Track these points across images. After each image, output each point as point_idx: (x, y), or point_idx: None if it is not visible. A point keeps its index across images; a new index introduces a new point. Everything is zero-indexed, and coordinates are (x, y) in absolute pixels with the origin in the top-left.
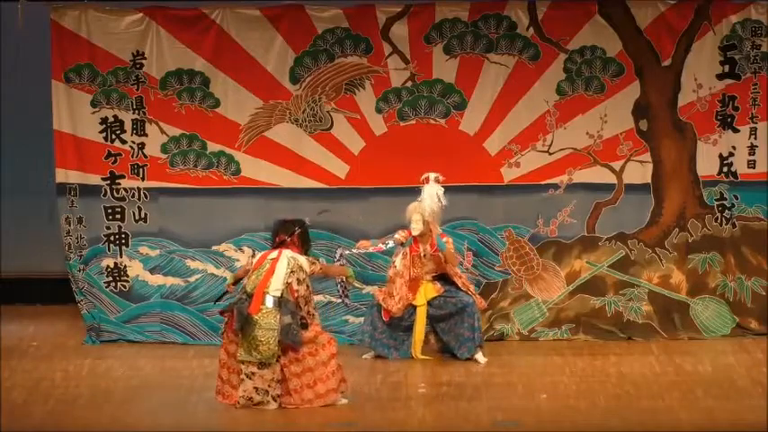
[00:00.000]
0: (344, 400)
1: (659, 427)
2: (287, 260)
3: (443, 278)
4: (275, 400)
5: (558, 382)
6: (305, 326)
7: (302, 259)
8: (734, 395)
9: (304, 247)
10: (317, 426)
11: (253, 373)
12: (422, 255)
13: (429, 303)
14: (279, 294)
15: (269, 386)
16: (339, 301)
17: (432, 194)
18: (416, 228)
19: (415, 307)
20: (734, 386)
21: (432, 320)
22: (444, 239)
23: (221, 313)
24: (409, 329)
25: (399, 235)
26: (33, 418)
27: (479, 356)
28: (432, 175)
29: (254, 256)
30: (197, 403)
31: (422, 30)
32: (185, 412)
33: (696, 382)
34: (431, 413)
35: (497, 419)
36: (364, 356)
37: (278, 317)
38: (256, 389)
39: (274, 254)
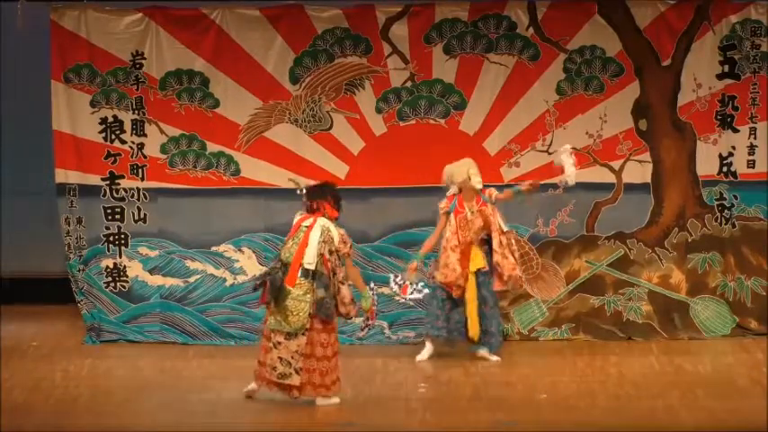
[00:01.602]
0: (336, 399)
1: (659, 427)
2: (320, 229)
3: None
4: (297, 374)
5: (558, 382)
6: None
7: (335, 232)
8: (734, 395)
9: (340, 209)
10: (317, 426)
11: (279, 343)
12: (468, 214)
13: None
14: (313, 267)
15: (292, 357)
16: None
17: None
18: (479, 180)
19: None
20: (734, 386)
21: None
22: (486, 193)
23: (255, 287)
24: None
25: (441, 210)
26: (33, 418)
27: (494, 357)
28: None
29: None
30: (197, 403)
31: (422, 30)
32: (185, 412)
33: (696, 382)
34: (431, 413)
35: (497, 419)
36: (418, 358)
37: (310, 288)
38: (280, 359)
39: (309, 221)
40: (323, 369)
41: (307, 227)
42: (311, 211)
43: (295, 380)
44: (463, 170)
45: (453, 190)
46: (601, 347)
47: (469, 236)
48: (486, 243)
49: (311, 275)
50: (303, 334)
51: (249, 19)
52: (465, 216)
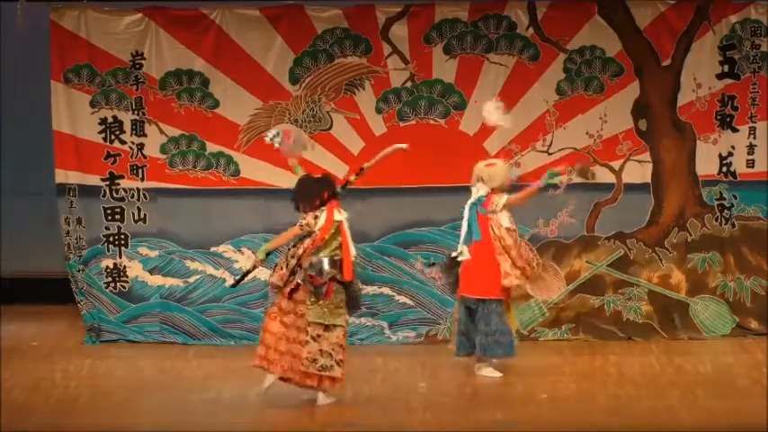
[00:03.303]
0: (331, 399)
1: (659, 426)
2: (346, 221)
3: None
4: (339, 365)
5: (557, 382)
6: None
7: None
8: (734, 395)
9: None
10: (317, 426)
11: (319, 336)
12: None
13: None
14: (355, 259)
15: (333, 350)
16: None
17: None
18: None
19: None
20: (734, 386)
21: None
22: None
23: (311, 277)
24: None
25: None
26: (33, 418)
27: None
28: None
29: (315, 217)
30: (197, 403)
31: (422, 30)
32: (185, 412)
33: (696, 382)
34: (431, 413)
35: (497, 419)
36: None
37: None
38: (321, 351)
39: (338, 214)
40: (344, 359)
41: (338, 221)
42: (330, 200)
43: (336, 372)
44: (505, 174)
45: (484, 190)
46: (601, 347)
47: None
48: None
49: None
50: (341, 325)
51: (249, 19)
52: None
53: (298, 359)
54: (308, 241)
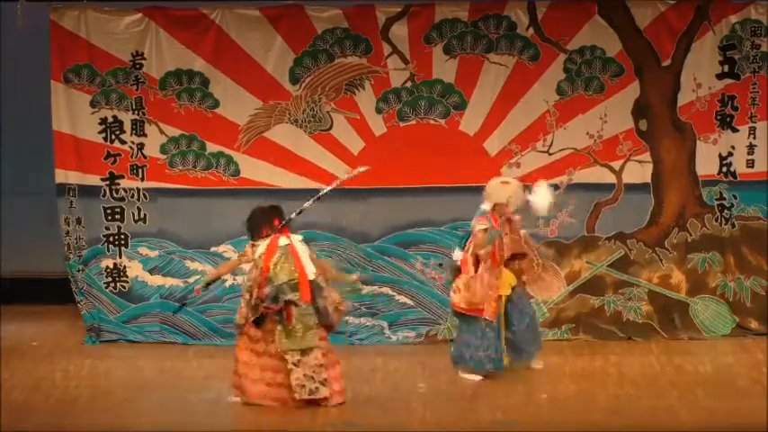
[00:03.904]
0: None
1: (659, 426)
2: (299, 243)
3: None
4: (324, 385)
5: (557, 382)
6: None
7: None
8: (734, 395)
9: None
10: (317, 426)
11: (299, 361)
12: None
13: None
14: (313, 278)
15: (314, 372)
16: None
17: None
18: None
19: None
20: (734, 386)
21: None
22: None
23: (267, 308)
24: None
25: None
26: (33, 418)
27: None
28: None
29: (253, 246)
30: (197, 403)
31: (422, 30)
32: (185, 412)
33: (696, 382)
34: (431, 413)
35: (497, 419)
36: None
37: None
38: (305, 375)
39: (283, 240)
40: (335, 375)
41: (285, 246)
42: (273, 231)
43: (324, 392)
44: (505, 193)
45: (487, 207)
46: (601, 347)
47: (504, 254)
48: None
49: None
50: (317, 347)
51: (249, 19)
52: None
53: (284, 387)
54: (255, 273)
